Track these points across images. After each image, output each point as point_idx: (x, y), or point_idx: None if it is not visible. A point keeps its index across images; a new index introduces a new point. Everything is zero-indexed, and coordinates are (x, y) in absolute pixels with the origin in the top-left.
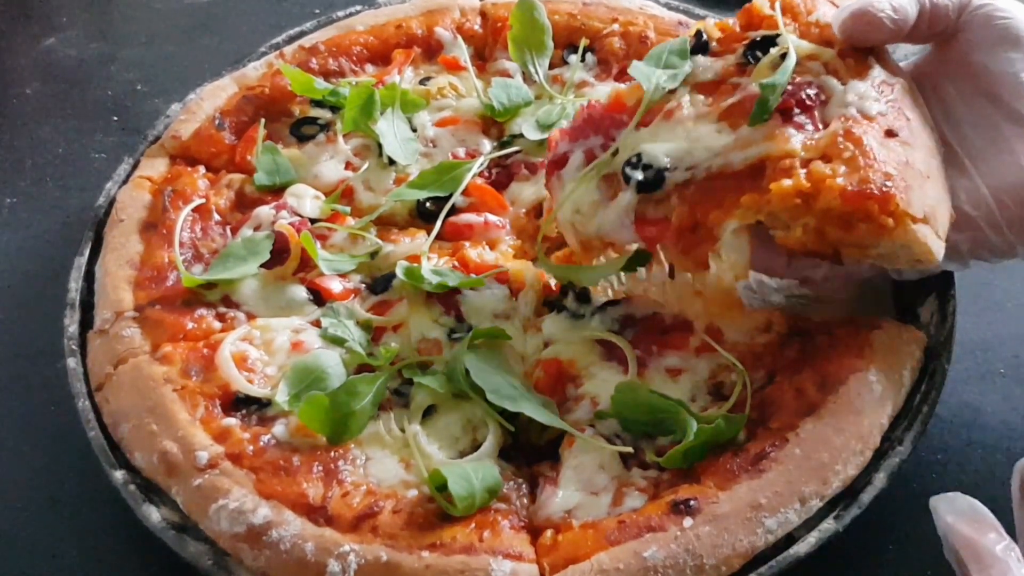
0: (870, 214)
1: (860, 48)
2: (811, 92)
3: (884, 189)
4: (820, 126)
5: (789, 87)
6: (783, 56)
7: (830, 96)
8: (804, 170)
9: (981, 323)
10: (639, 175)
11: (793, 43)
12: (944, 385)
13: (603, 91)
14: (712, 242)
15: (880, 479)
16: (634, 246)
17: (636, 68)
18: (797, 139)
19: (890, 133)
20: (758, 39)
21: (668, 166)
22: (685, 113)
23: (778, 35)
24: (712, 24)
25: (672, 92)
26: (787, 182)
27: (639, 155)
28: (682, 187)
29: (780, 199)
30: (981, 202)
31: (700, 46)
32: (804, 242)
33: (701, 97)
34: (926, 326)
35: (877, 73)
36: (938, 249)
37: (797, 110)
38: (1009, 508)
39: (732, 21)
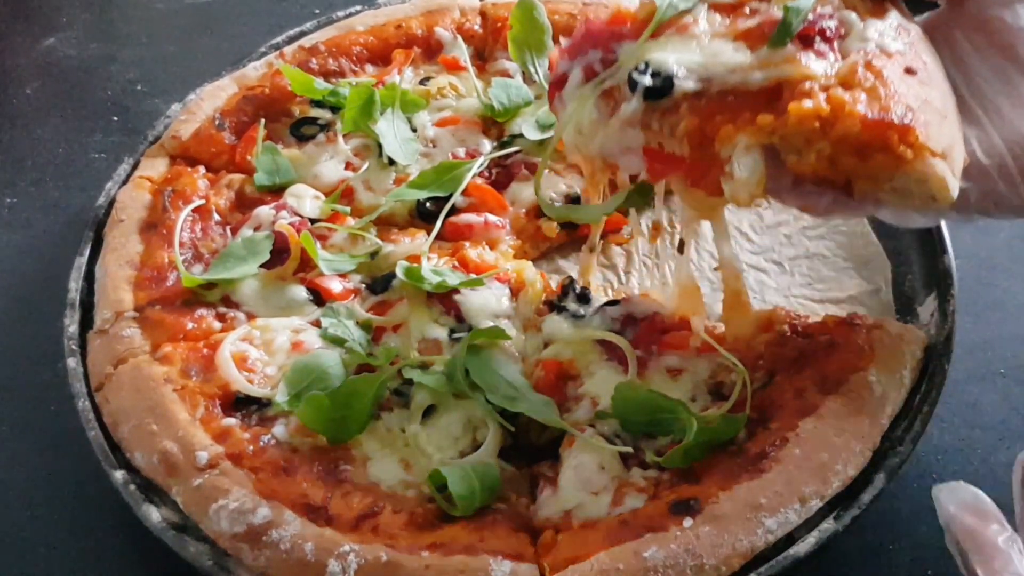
0: (889, 144)
1: None
2: (831, 24)
3: (905, 120)
4: (839, 57)
5: (810, 16)
6: None
7: (850, 31)
8: (824, 95)
9: (981, 323)
10: (647, 80)
11: None
12: (944, 385)
13: None
14: (722, 167)
15: (880, 479)
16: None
17: None
18: (818, 65)
19: (909, 71)
20: None
21: (678, 73)
22: (700, 29)
23: None
24: None
25: (686, 10)
26: (807, 103)
27: (647, 63)
28: (693, 98)
29: (798, 121)
30: (994, 152)
31: None
32: (816, 169)
33: (718, 16)
34: (926, 326)
35: (894, 17)
36: (954, 186)
37: (817, 38)
38: (1010, 507)
39: None
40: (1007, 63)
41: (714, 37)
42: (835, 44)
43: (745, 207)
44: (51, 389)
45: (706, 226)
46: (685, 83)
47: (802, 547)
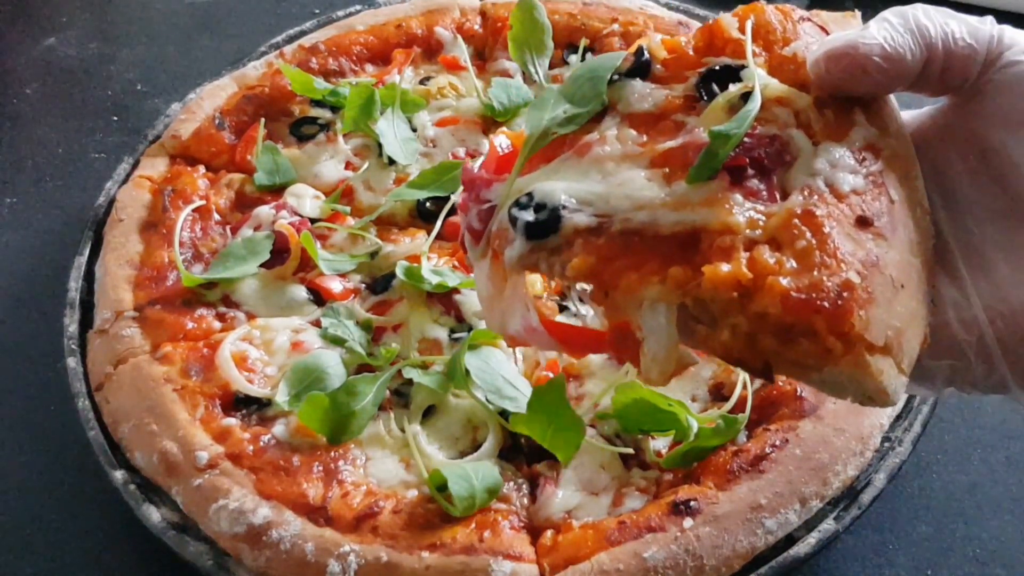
0: (816, 331)
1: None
2: (772, 150)
3: (839, 302)
4: (777, 196)
5: (746, 140)
6: (745, 96)
7: (795, 158)
8: (748, 254)
9: None
10: (528, 215)
11: (760, 80)
12: None
13: None
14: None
15: (880, 479)
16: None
17: (531, 109)
18: (744, 211)
19: (863, 221)
20: (717, 68)
21: (567, 204)
22: (607, 151)
23: (743, 67)
24: (659, 41)
25: (596, 121)
26: (724, 267)
27: (530, 195)
28: (588, 235)
29: (713, 288)
30: (972, 325)
31: (640, 67)
32: (730, 348)
33: (633, 132)
34: None
35: (860, 133)
36: (896, 389)
37: (751, 171)
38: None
39: (685, 40)
40: (1006, 203)
41: (623, 161)
42: (774, 177)
43: (663, 386)
44: (51, 389)
45: None
46: (576, 216)
47: (802, 548)
